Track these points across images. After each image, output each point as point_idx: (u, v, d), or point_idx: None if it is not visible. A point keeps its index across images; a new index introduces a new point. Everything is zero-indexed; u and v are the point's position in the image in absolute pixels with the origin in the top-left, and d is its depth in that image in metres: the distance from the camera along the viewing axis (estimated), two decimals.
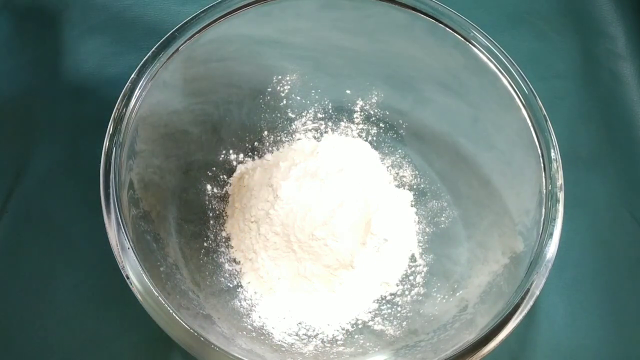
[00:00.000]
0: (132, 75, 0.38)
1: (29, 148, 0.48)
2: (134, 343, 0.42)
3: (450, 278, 0.42)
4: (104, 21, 0.52)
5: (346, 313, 0.42)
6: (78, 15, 0.53)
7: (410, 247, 0.45)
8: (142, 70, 0.38)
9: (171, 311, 0.33)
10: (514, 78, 0.40)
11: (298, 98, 0.48)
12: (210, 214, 0.45)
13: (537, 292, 0.35)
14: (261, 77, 0.47)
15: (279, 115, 0.48)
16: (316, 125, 0.49)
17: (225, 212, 0.46)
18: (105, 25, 0.52)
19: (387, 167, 0.48)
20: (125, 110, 0.37)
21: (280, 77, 0.47)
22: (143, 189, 0.39)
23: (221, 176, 0.46)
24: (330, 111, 0.49)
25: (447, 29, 0.41)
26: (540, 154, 0.38)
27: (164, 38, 0.39)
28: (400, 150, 0.48)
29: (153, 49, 0.39)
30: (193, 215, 0.44)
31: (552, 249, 0.36)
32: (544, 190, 0.38)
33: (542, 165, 0.38)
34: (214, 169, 0.46)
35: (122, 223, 0.34)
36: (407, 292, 0.43)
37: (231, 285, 0.43)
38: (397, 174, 0.48)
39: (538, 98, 0.39)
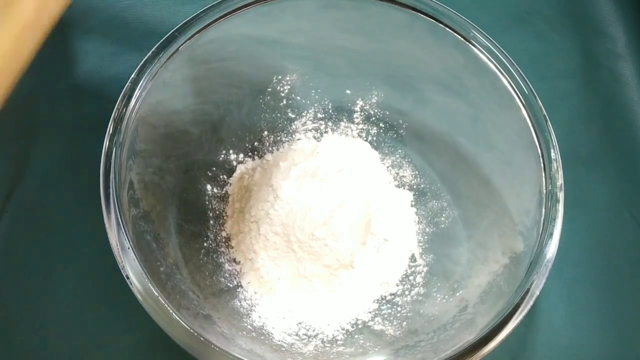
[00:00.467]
0: (132, 75, 0.38)
1: (29, 148, 0.48)
2: (134, 343, 0.42)
3: (450, 278, 0.42)
4: (104, 21, 0.52)
5: (346, 313, 0.42)
6: (78, 15, 0.53)
7: (410, 247, 0.45)
8: (142, 70, 0.38)
9: (171, 311, 0.33)
10: (514, 78, 0.40)
11: (298, 98, 0.48)
12: (210, 214, 0.45)
13: (537, 292, 0.35)
14: (261, 77, 0.47)
15: (279, 115, 0.48)
16: (316, 125, 0.49)
17: (225, 212, 0.46)
18: (105, 25, 0.52)
19: (387, 167, 0.48)
20: (125, 110, 0.37)
21: (280, 77, 0.47)
22: (143, 189, 0.39)
23: (221, 176, 0.46)
24: (330, 111, 0.49)
25: (447, 29, 0.41)
26: (540, 154, 0.39)
27: (164, 38, 0.39)
28: (400, 150, 0.48)
29: (153, 49, 0.39)
30: (193, 215, 0.44)
31: (552, 249, 0.36)
32: (544, 190, 0.38)
33: (542, 165, 0.38)
34: (214, 169, 0.46)
35: (122, 223, 0.34)
36: (407, 292, 0.43)
37: (231, 285, 0.43)
38: (397, 174, 0.48)
39: (538, 98, 0.39)
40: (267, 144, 0.48)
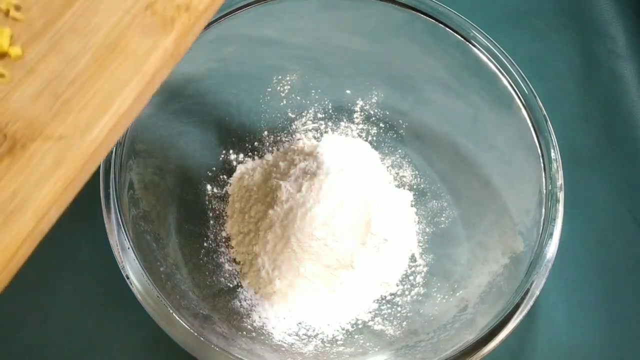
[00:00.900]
0: None
1: None
2: (134, 343, 0.42)
3: (450, 278, 0.42)
4: None
5: (346, 313, 0.42)
6: None
7: (410, 247, 0.45)
8: None
9: (171, 311, 0.33)
10: (514, 78, 0.40)
11: (298, 98, 0.48)
12: (210, 214, 0.45)
13: (537, 292, 0.35)
14: (261, 77, 0.47)
15: (279, 115, 0.48)
16: (316, 125, 0.49)
17: (225, 212, 0.46)
18: None
19: (387, 167, 0.48)
20: None
21: (280, 77, 0.47)
22: (143, 189, 0.39)
23: (221, 176, 0.46)
24: (330, 111, 0.49)
25: (447, 29, 0.41)
26: (540, 154, 0.39)
27: None
28: (400, 150, 0.48)
29: None
30: (193, 215, 0.44)
31: (552, 249, 0.36)
32: (544, 190, 0.38)
33: (542, 165, 0.38)
34: (214, 168, 0.46)
35: (122, 223, 0.34)
36: (407, 292, 0.43)
37: (231, 285, 0.43)
38: (397, 174, 0.48)
39: (538, 98, 0.39)
40: (267, 144, 0.48)
